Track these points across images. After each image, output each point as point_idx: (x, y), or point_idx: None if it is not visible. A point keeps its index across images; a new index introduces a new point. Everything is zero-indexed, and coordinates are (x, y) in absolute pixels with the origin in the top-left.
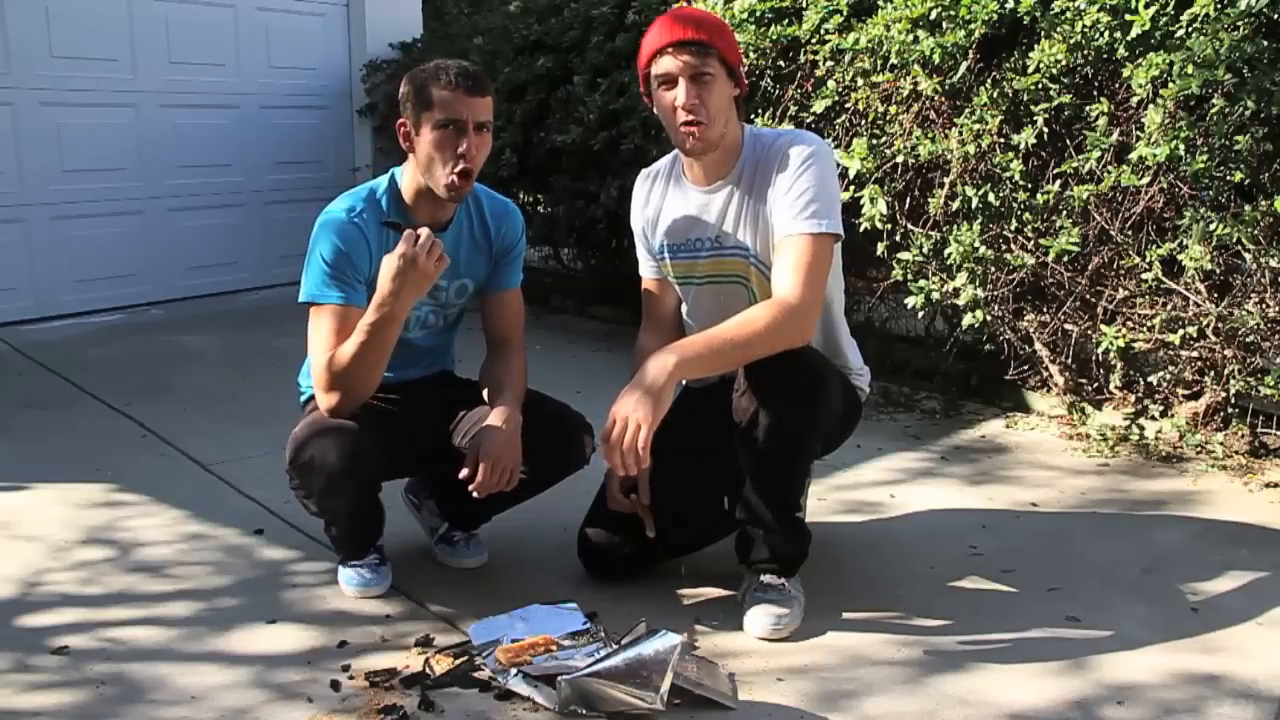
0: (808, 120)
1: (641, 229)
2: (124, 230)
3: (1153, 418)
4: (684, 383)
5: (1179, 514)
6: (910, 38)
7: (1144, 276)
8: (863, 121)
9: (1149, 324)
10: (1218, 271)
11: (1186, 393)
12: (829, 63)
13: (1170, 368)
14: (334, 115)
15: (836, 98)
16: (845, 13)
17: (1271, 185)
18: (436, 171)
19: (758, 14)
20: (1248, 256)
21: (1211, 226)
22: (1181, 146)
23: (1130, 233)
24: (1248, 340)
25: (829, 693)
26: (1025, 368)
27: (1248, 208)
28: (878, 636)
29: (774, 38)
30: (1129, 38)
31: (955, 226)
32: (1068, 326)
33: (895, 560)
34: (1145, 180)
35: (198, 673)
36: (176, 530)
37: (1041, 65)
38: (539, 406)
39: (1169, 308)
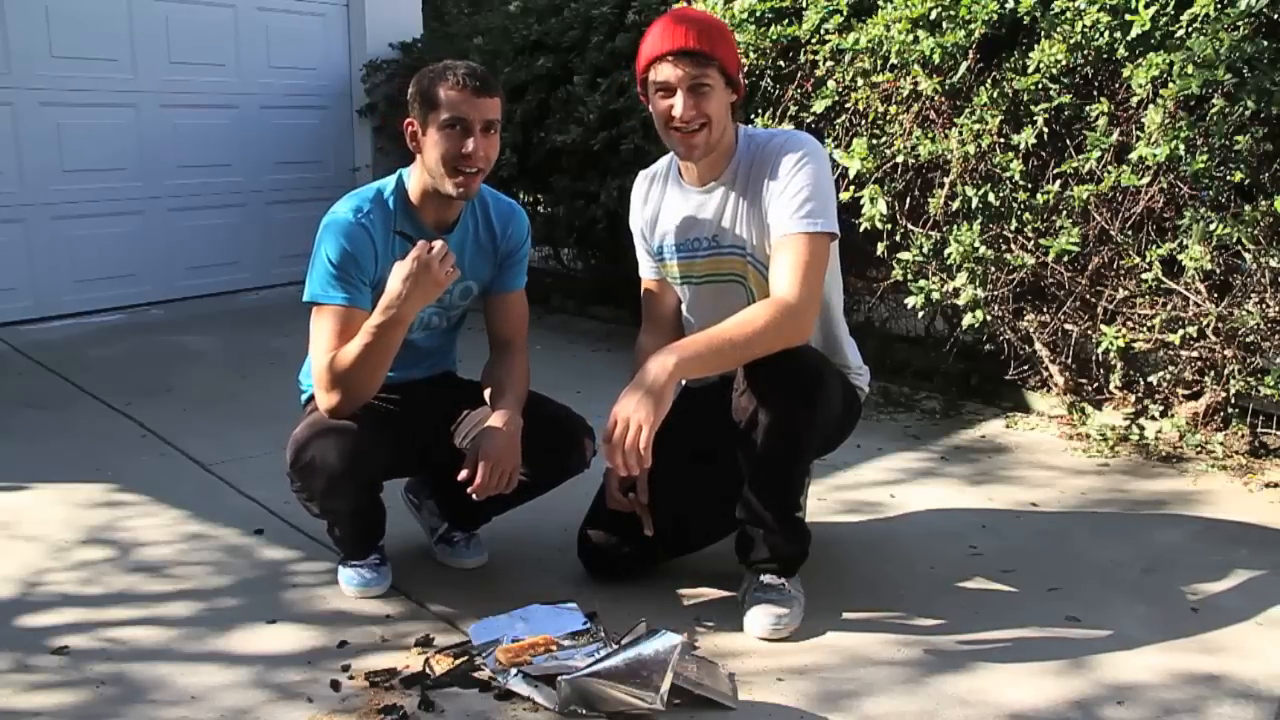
0: (808, 120)
1: (640, 230)
2: (124, 230)
3: (1153, 418)
4: (684, 383)
5: (1179, 514)
6: (910, 38)
7: (1144, 276)
8: (863, 121)
9: (1149, 324)
10: (1218, 271)
11: (1186, 393)
12: (829, 63)
13: (1170, 368)
14: (334, 115)
15: (836, 98)
16: (845, 13)
17: (1271, 185)
18: (443, 172)
19: (758, 14)
20: (1248, 256)
21: (1211, 226)
22: (1181, 146)
23: (1130, 233)
24: (1248, 340)
25: (829, 693)
26: (1025, 368)
27: (1248, 208)
28: (878, 636)
29: (774, 38)
30: (1129, 38)
31: (955, 226)
32: (1068, 326)
33: (895, 560)
34: (1145, 180)
35: (198, 673)
36: (176, 530)
37: (1041, 65)
38: (539, 409)
39: (1169, 308)
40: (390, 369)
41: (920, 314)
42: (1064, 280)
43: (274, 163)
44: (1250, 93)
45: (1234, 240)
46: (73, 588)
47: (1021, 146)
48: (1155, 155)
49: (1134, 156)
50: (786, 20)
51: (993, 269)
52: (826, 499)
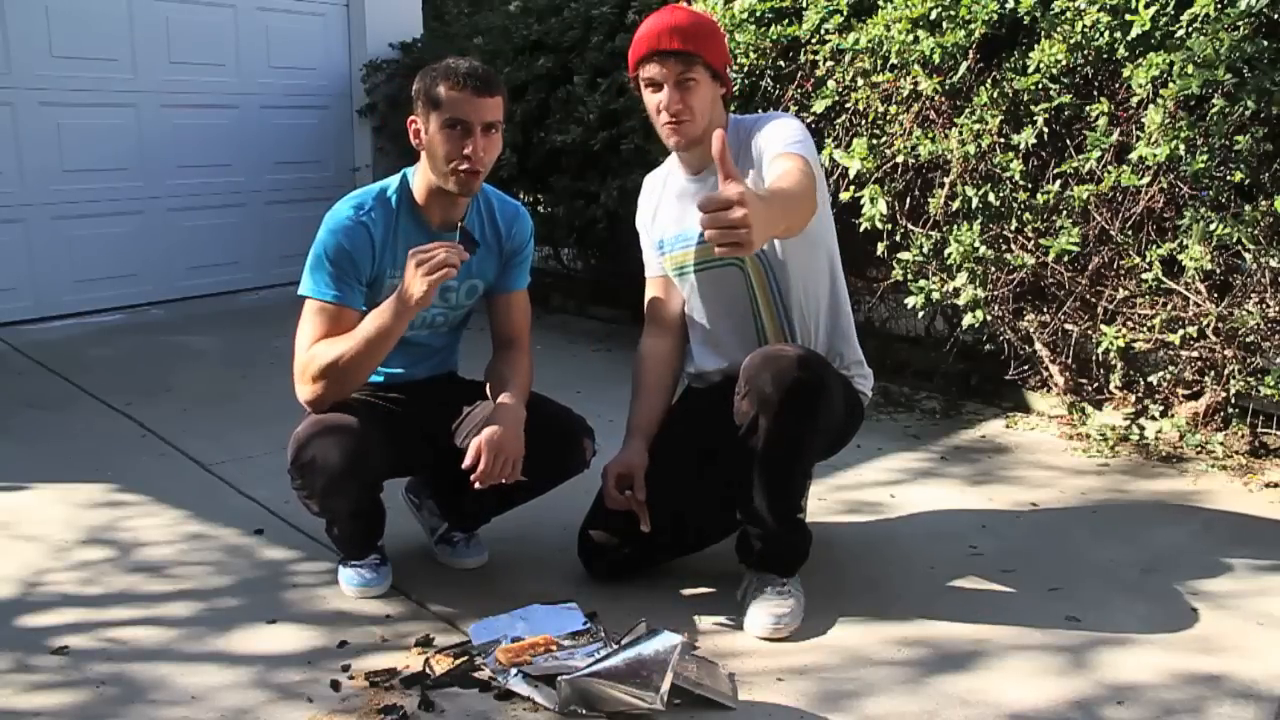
0: (808, 120)
1: (644, 224)
2: (124, 230)
3: (1153, 418)
4: (685, 382)
5: (1179, 514)
6: (910, 38)
7: (1144, 276)
8: (863, 121)
9: (1149, 324)
10: (1218, 271)
11: (1186, 393)
12: (829, 63)
13: (1170, 368)
14: (334, 115)
15: (836, 98)
16: (845, 13)
17: (1271, 185)
18: (444, 170)
19: (758, 14)
20: (1248, 256)
21: (1211, 226)
22: (1181, 146)
23: (1130, 233)
24: (1248, 340)
25: (829, 693)
26: (1025, 368)
27: (1248, 208)
28: (878, 636)
29: (774, 38)
30: (1129, 38)
31: (955, 226)
32: (1068, 326)
33: (895, 560)
34: (1145, 180)
35: (198, 673)
36: (177, 530)
37: (1041, 65)
38: (539, 409)
39: (1169, 308)
40: (394, 365)
41: (920, 314)
42: (1064, 280)
43: (274, 163)
44: (1250, 93)
45: (1234, 240)
46: (73, 588)
47: (1021, 146)
48: (1155, 155)
49: (1134, 156)
50: (786, 20)
51: (993, 269)
52: (827, 499)
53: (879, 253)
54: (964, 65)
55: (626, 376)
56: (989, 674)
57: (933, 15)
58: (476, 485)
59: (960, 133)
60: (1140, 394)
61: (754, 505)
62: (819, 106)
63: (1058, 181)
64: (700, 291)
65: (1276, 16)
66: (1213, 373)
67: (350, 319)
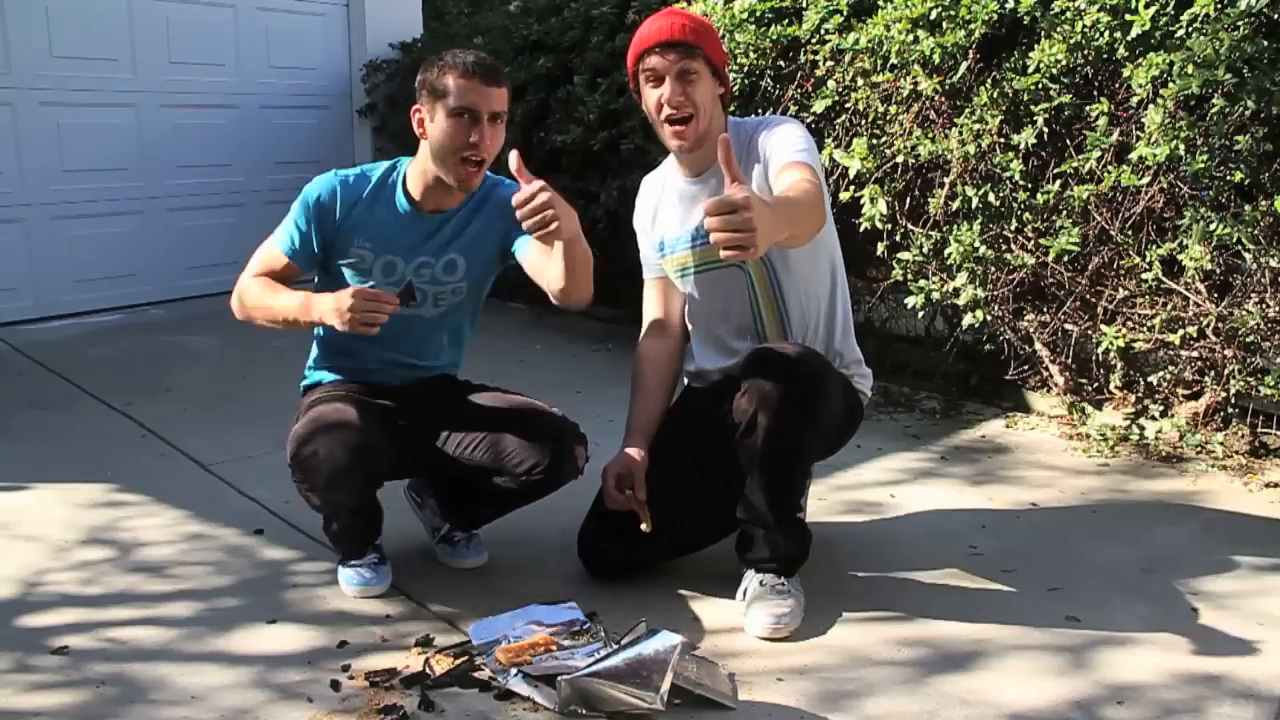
0: (808, 120)
1: (643, 227)
2: (124, 230)
3: (1153, 418)
4: (685, 382)
5: (1179, 514)
6: (910, 38)
7: (1144, 276)
8: (863, 121)
9: (1149, 324)
10: (1218, 271)
11: (1186, 393)
12: (829, 63)
13: (1170, 368)
14: (334, 115)
15: (836, 98)
16: (845, 13)
17: (1271, 185)
18: (448, 160)
19: (758, 14)
20: (1248, 256)
21: (1211, 226)
22: (1181, 146)
23: (1130, 233)
24: (1248, 340)
25: (829, 693)
26: (1025, 368)
27: (1248, 208)
28: (878, 636)
29: (774, 38)
30: (1129, 38)
31: (955, 226)
32: (1068, 326)
33: (895, 560)
34: (1145, 180)
35: (198, 673)
36: (177, 530)
37: (1041, 65)
38: (530, 414)
39: (1169, 308)
40: (396, 350)
41: (920, 314)
42: (1064, 280)
43: (274, 163)
44: (1250, 93)
45: (1234, 240)
46: (73, 588)
47: (1021, 146)
48: (1155, 155)
49: (1134, 156)
50: (786, 20)
51: (993, 269)
52: (827, 499)
53: (879, 253)
54: (964, 65)
55: (626, 376)
56: (989, 674)
57: (933, 15)
58: (519, 211)
59: (960, 133)
60: (1140, 394)
61: (754, 502)
62: (819, 106)
63: (1058, 181)
64: (701, 292)
65: (1276, 16)
66: (1213, 373)
67: (288, 271)
